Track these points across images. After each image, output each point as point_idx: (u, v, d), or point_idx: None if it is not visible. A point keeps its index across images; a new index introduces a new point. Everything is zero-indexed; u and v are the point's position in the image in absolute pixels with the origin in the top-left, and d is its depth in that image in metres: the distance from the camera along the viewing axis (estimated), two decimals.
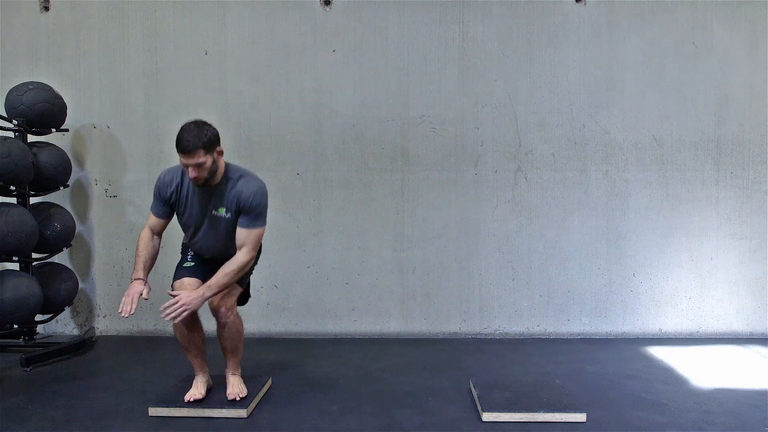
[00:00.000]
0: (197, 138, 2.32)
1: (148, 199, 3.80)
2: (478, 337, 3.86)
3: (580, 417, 2.45)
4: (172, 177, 2.52)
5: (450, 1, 3.78)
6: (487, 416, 2.45)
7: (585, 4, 3.76)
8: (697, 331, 3.83)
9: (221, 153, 2.44)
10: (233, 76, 3.80)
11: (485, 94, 3.80)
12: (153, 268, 3.90)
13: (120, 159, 3.90)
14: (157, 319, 3.93)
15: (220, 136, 2.47)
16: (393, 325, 3.88)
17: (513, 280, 3.85)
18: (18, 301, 3.16)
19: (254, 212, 2.47)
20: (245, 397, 2.62)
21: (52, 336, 3.90)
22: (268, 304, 3.87)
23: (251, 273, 2.68)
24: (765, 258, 3.79)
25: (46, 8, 3.87)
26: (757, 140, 3.76)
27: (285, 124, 3.82)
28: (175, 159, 2.65)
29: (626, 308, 3.84)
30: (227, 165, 2.51)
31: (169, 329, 3.91)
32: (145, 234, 2.59)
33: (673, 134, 3.78)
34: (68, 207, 3.85)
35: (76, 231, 3.83)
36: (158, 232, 2.62)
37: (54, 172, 3.57)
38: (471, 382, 2.81)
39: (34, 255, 3.57)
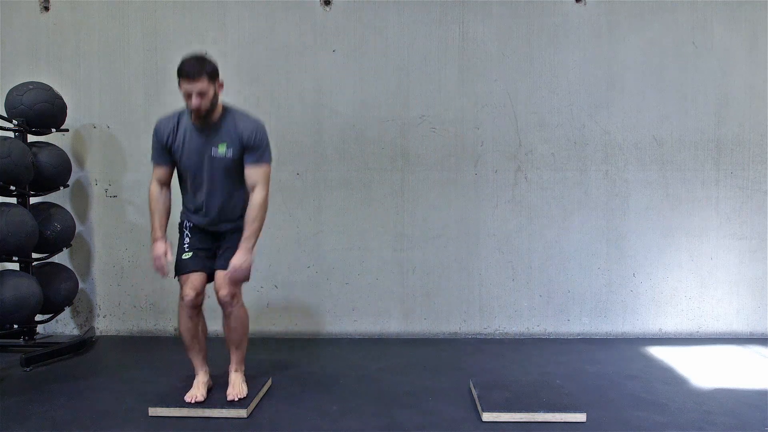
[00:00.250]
0: (201, 65, 2.34)
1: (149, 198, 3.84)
2: (478, 337, 3.86)
3: (580, 417, 2.45)
4: (168, 120, 2.53)
5: (450, 1, 3.78)
6: (487, 416, 2.45)
7: (585, 4, 3.76)
8: (697, 331, 3.83)
9: (222, 86, 2.46)
10: (233, 76, 3.79)
11: (485, 94, 3.80)
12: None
13: (120, 159, 3.90)
14: (157, 319, 3.94)
15: None
16: (393, 325, 3.88)
17: (513, 280, 3.85)
18: (18, 301, 3.16)
19: (259, 148, 2.49)
20: (245, 397, 2.62)
21: (52, 336, 3.91)
22: (268, 304, 3.87)
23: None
24: (765, 258, 3.80)
25: (46, 8, 3.87)
26: (757, 140, 3.76)
27: (285, 124, 3.82)
28: None
29: (626, 308, 3.84)
30: (223, 104, 2.52)
31: (169, 329, 3.92)
32: (154, 189, 2.59)
33: (673, 134, 3.78)
34: (68, 207, 3.85)
35: (76, 231, 3.83)
36: (165, 182, 2.61)
37: (54, 172, 3.57)
38: (471, 382, 2.81)
39: (34, 255, 3.57)
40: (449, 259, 3.85)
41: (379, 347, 3.62)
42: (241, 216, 2.57)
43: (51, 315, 3.67)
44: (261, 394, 2.72)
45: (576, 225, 3.82)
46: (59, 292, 3.59)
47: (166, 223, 2.59)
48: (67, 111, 3.72)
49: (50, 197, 3.75)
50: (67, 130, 3.76)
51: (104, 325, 3.97)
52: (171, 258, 2.53)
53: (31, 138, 3.60)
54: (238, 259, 2.47)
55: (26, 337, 3.58)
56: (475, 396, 2.64)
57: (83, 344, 3.57)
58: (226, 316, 2.64)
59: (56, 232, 3.56)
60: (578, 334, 3.85)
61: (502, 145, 3.81)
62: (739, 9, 3.73)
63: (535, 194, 3.82)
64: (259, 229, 2.52)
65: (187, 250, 2.59)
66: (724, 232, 3.80)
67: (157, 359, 3.39)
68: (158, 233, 2.53)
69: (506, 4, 3.78)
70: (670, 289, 3.82)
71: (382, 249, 3.86)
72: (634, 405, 2.64)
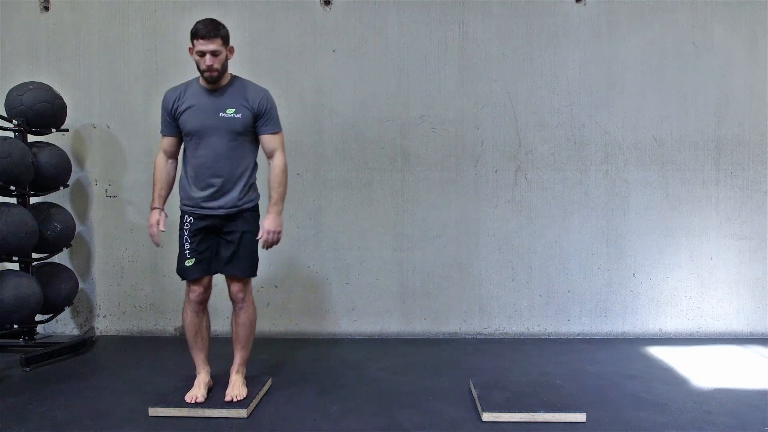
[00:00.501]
0: (216, 26, 2.44)
1: (148, 198, 3.82)
2: (478, 337, 3.86)
3: (580, 417, 2.45)
4: (175, 89, 2.60)
5: (450, 1, 3.78)
6: (487, 416, 2.45)
7: (585, 4, 3.76)
8: (697, 331, 3.83)
9: (232, 52, 2.53)
10: None
11: (485, 94, 3.80)
12: (154, 268, 3.94)
13: (120, 159, 3.90)
14: (157, 319, 3.94)
15: None
16: (393, 325, 3.88)
17: (513, 280, 3.85)
18: (18, 301, 3.16)
19: (272, 114, 2.60)
20: (245, 397, 2.62)
21: (52, 336, 3.90)
22: (268, 304, 3.87)
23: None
24: (765, 258, 3.80)
25: (46, 8, 3.87)
26: (757, 140, 3.76)
27: (285, 124, 3.76)
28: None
29: (626, 308, 3.84)
30: (231, 73, 2.59)
31: (169, 329, 3.93)
32: (160, 159, 2.65)
33: (673, 134, 3.78)
34: (68, 207, 3.85)
35: (76, 231, 3.83)
36: (172, 154, 2.65)
37: (54, 172, 3.57)
38: (471, 382, 2.81)
39: (34, 255, 3.57)
40: (449, 259, 3.85)
41: (379, 347, 3.62)
42: (243, 196, 2.58)
43: (51, 315, 3.67)
44: (261, 394, 2.72)
45: (576, 225, 3.82)
46: (59, 292, 3.59)
47: (167, 194, 2.67)
48: (67, 111, 3.72)
49: (50, 197, 3.75)
50: (67, 130, 3.76)
51: (104, 325, 3.97)
52: (163, 229, 2.60)
53: (31, 138, 3.60)
54: (270, 224, 2.57)
55: (26, 337, 3.58)
56: (475, 396, 2.64)
57: (83, 344, 3.57)
58: (237, 313, 2.68)
59: (56, 232, 3.56)
60: (578, 334, 3.85)
61: (502, 145, 3.81)
62: (739, 9, 3.73)
63: (535, 194, 3.82)
64: (285, 192, 2.64)
65: (189, 256, 2.58)
66: (724, 232, 3.80)
67: (157, 359, 3.39)
68: (155, 203, 2.63)
69: (506, 4, 3.78)
70: (670, 289, 3.82)
71: (382, 249, 3.86)
72: (634, 405, 2.64)
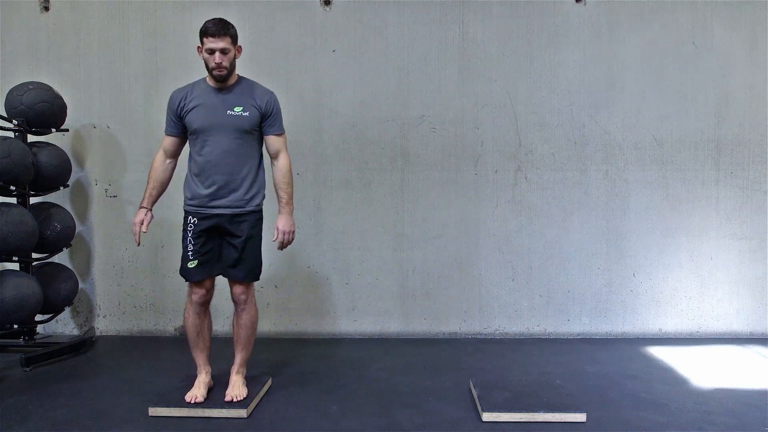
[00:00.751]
0: (226, 25, 2.47)
1: None
2: (478, 337, 3.86)
3: (580, 417, 2.45)
4: (182, 89, 2.61)
5: (450, 1, 3.78)
6: (487, 416, 2.45)
7: (585, 4, 3.76)
8: (697, 331, 3.83)
9: (240, 50, 2.56)
10: None
11: (485, 94, 3.80)
12: (154, 268, 3.93)
13: (120, 159, 3.90)
14: (157, 319, 3.94)
15: None
16: (393, 325, 3.88)
17: (513, 280, 3.85)
18: (18, 301, 3.16)
19: (278, 116, 2.64)
20: (245, 397, 2.62)
21: (52, 336, 3.90)
22: (268, 304, 3.87)
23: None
24: (765, 258, 3.80)
25: (46, 8, 3.87)
26: (757, 140, 3.76)
27: (285, 124, 3.80)
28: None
29: (626, 308, 3.84)
30: (238, 73, 2.62)
31: (169, 329, 3.92)
32: (158, 157, 2.65)
33: (673, 134, 3.78)
34: (68, 207, 3.85)
35: (76, 231, 3.83)
36: (172, 154, 2.66)
37: (54, 172, 3.57)
38: (471, 382, 2.81)
39: (34, 255, 3.57)
40: (449, 259, 3.85)
41: (379, 347, 3.62)
42: (250, 196, 2.58)
43: (51, 315, 3.67)
44: (261, 394, 2.73)
45: (576, 225, 3.82)
46: (59, 292, 3.59)
47: (158, 195, 2.67)
48: (67, 111, 3.72)
49: (50, 197, 3.75)
50: (67, 130, 3.76)
51: (104, 325, 3.97)
52: (145, 230, 2.59)
53: (31, 138, 3.60)
54: (283, 224, 2.61)
55: (26, 337, 3.58)
56: (475, 396, 2.64)
57: (83, 344, 3.57)
58: (239, 315, 2.68)
59: (56, 232, 3.56)
60: (578, 334, 3.85)
61: (502, 145, 3.81)
62: (739, 9, 3.73)
63: (535, 194, 3.82)
64: (293, 192, 2.68)
65: (191, 258, 2.57)
66: (724, 232, 3.80)
67: (157, 359, 3.39)
68: (144, 202, 2.62)
69: (506, 4, 3.78)
70: (670, 289, 3.82)
71: (382, 249, 3.86)
72: (634, 405, 2.64)
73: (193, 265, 2.57)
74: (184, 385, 2.71)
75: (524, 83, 3.79)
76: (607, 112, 3.78)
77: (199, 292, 2.60)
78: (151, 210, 2.63)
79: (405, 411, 2.58)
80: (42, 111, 3.48)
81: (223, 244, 2.61)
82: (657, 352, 3.48)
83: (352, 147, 3.83)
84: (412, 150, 3.82)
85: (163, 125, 2.66)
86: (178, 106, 2.56)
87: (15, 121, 3.43)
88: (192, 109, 2.53)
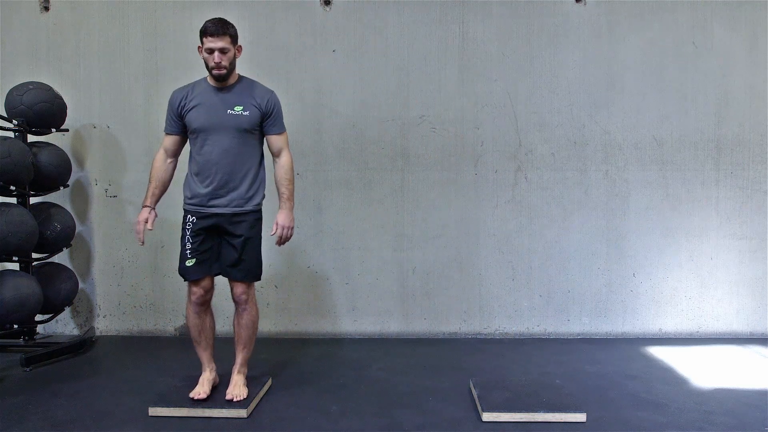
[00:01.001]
0: (225, 24, 2.48)
1: None
2: (478, 337, 3.86)
3: (580, 417, 2.45)
4: (182, 89, 2.62)
5: (450, 1, 3.78)
6: (487, 416, 2.45)
7: (585, 4, 3.76)
8: (697, 331, 3.83)
9: (240, 50, 2.57)
10: None
11: (485, 94, 3.80)
12: (154, 268, 3.93)
13: (120, 159, 3.90)
14: (157, 319, 3.94)
15: None
16: (393, 325, 3.88)
17: (513, 280, 3.85)
18: (18, 301, 3.16)
19: (279, 115, 2.65)
20: (245, 397, 2.62)
21: (52, 336, 3.90)
22: (268, 304, 3.87)
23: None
24: (765, 258, 3.80)
25: (46, 8, 3.87)
26: (757, 140, 3.76)
27: (285, 124, 3.80)
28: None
29: (626, 308, 3.84)
30: (238, 73, 2.63)
31: (169, 329, 3.92)
32: (159, 156, 2.64)
33: (673, 134, 3.78)
34: (68, 207, 3.85)
35: (76, 231, 3.83)
36: (173, 153, 2.66)
37: (54, 172, 3.57)
38: (471, 382, 2.81)
39: (34, 255, 3.57)
40: (449, 259, 3.85)
41: (380, 347, 3.62)
42: (251, 194, 2.59)
43: (51, 315, 3.67)
44: (261, 394, 2.73)
45: (576, 225, 3.82)
46: (59, 292, 3.59)
47: (161, 194, 2.67)
48: (67, 111, 3.72)
49: (50, 197, 3.75)
50: (67, 130, 3.76)
51: (104, 325, 3.97)
52: (151, 227, 2.58)
53: (31, 138, 3.60)
54: (283, 219, 2.62)
55: (26, 337, 3.58)
56: (475, 396, 2.64)
57: (83, 344, 3.57)
58: (239, 315, 2.68)
59: (56, 232, 3.56)
60: (578, 334, 3.85)
61: (502, 145, 3.81)
62: (739, 9, 3.73)
63: (535, 194, 3.82)
64: (294, 189, 2.68)
65: (189, 256, 2.57)
66: (724, 232, 3.80)
67: (157, 359, 3.39)
68: (147, 201, 2.62)
69: (506, 4, 3.78)
70: (670, 289, 3.82)
71: (382, 249, 3.86)
72: (634, 405, 2.64)
73: (190, 264, 2.57)
74: (185, 385, 2.71)
75: (524, 83, 3.79)
76: (607, 112, 3.78)
77: (197, 292, 2.59)
78: (154, 209, 2.63)
79: (405, 411, 2.58)
80: (42, 111, 3.48)
81: (223, 243, 2.61)
82: (657, 352, 3.48)
83: (352, 147, 3.83)
84: (412, 150, 3.82)
85: (163, 125, 2.66)
86: (178, 106, 2.56)
87: (15, 121, 3.43)
88: (192, 108, 2.53)
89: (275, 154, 2.66)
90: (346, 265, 3.87)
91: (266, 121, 2.60)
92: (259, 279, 2.67)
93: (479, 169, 3.82)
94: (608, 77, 3.78)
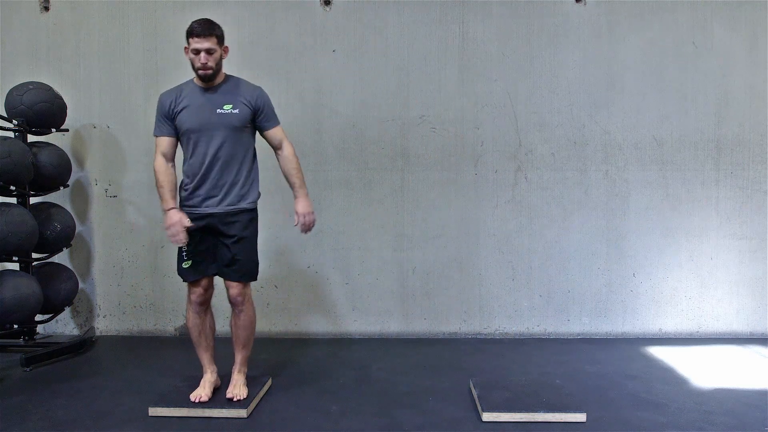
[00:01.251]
0: (211, 25, 2.48)
1: (149, 199, 3.85)
2: (478, 337, 3.86)
3: (580, 417, 2.45)
4: (171, 91, 2.60)
5: (450, 1, 3.78)
6: (487, 416, 2.45)
7: (585, 4, 3.76)
8: (697, 331, 3.83)
9: (227, 51, 2.57)
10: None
11: (485, 94, 3.80)
12: (154, 268, 3.94)
13: (120, 159, 3.90)
14: (157, 319, 3.94)
15: None
16: (393, 325, 3.88)
17: (513, 280, 3.85)
18: (18, 301, 3.16)
19: (269, 109, 2.64)
20: (245, 397, 2.62)
21: (52, 336, 3.90)
22: (268, 304, 3.87)
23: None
24: (765, 258, 3.80)
25: (46, 8, 3.87)
26: (757, 140, 3.76)
27: (285, 124, 3.77)
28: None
29: (626, 308, 3.84)
30: (225, 72, 2.62)
31: (169, 329, 3.92)
32: (160, 162, 2.59)
33: (673, 134, 3.78)
34: (68, 207, 3.85)
35: (76, 231, 3.83)
36: (170, 156, 2.61)
37: (54, 172, 3.57)
38: (471, 382, 2.81)
39: (34, 255, 3.57)
40: (449, 259, 3.85)
41: (379, 347, 3.62)
42: (244, 192, 2.58)
43: (51, 315, 3.67)
44: (261, 394, 2.73)
45: (576, 225, 3.82)
46: (59, 292, 3.59)
47: (176, 195, 2.61)
48: (67, 111, 3.72)
49: (50, 197, 3.75)
50: (67, 130, 3.76)
51: (104, 325, 3.97)
52: (189, 223, 2.50)
53: (31, 138, 3.60)
54: (302, 207, 2.68)
55: (26, 337, 3.58)
56: (475, 396, 2.64)
57: (83, 344, 3.57)
58: (237, 316, 2.68)
59: (56, 232, 3.56)
60: (578, 334, 3.85)
61: (502, 145, 3.81)
62: (739, 9, 3.73)
63: (535, 194, 3.82)
64: (303, 175, 2.72)
65: (185, 258, 2.57)
66: (724, 232, 3.80)
67: (157, 359, 3.39)
68: (171, 203, 2.53)
69: (506, 4, 3.78)
70: (670, 289, 3.82)
71: (382, 249, 3.86)
72: (634, 405, 2.64)
73: (187, 266, 2.57)
74: (185, 385, 2.71)
75: (524, 83, 3.79)
76: (607, 112, 3.78)
77: (196, 292, 2.60)
78: (180, 209, 2.57)
79: (405, 411, 2.58)
80: (42, 111, 3.48)
81: (218, 244, 2.60)
82: (657, 352, 3.48)
83: (352, 147, 3.83)
84: (412, 150, 3.82)
85: None
86: (169, 108, 2.55)
87: (15, 121, 3.43)
88: (182, 110, 2.53)
89: (276, 147, 2.68)
90: (346, 265, 3.87)
91: (259, 117, 2.60)
92: (255, 279, 2.66)
93: (479, 169, 3.82)
94: (608, 77, 3.78)
